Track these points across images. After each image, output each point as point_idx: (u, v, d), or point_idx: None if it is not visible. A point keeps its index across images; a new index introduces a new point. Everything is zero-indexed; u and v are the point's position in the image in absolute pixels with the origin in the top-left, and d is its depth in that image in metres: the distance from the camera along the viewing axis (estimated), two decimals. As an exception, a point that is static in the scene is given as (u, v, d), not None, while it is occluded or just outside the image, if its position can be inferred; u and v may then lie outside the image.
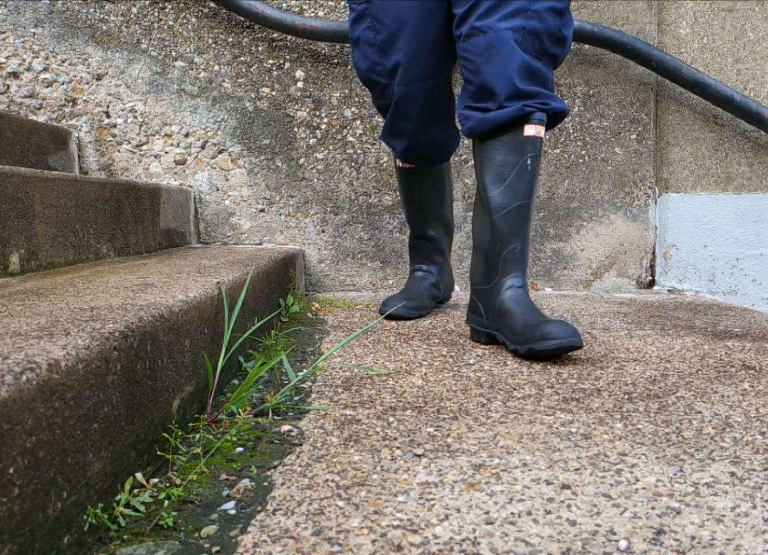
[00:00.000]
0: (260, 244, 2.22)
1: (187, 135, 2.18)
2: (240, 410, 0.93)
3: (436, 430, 0.87)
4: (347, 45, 2.14)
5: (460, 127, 1.42)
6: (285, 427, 0.88)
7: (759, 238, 2.28)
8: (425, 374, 1.15)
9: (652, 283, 2.30)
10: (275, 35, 2.15)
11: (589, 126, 2.21)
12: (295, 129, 2.18)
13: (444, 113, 1.56)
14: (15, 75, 2.14)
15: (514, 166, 1.30)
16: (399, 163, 1.69)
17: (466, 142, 2.20)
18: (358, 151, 2.19)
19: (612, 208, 2.23)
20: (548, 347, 1.17)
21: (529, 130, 1.29)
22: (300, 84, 2.17)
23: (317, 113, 2.18)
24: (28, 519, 0.49)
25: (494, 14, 1.30)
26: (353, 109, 2.18)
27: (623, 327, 1.56)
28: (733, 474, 0.74)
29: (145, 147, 2.18)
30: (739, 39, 2.25)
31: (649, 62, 2.11)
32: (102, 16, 2.15)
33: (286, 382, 1.11)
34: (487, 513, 0.65)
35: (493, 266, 1.33)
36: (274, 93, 2.18)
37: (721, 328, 1.54)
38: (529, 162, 1.30)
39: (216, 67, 2.17)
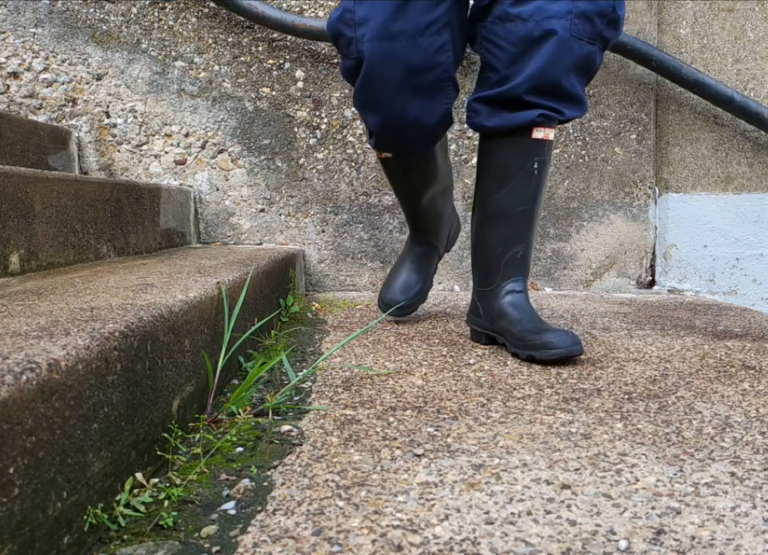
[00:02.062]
0: (260, 244, 2.22)
1: (187, 135, 2.18)
2: (240, 410, 0.93)
3: (436, 430, 0.87)
4: (347, 45, 2.14)
5: (465, 119, 1.31)
6: (285, 427, 0.88)
7: (759, 238, 2.28)
8: (425, 374, 1.15)
9: (652, 283, 2.30)
10: (275, 35, 2.15)
11: (589, 126, 2.21)
12: (295, 129, 2.18)
13: (436, 85, 1.22)
14: (15, 75, 2.14)
15: (519, 169, 1.26)
16: (376, 152, 1.42)
17: (466, 141, 2.20)
18: (358, 151, 2.19)
19: (612, 208, 2.23)
20: (549, 357, 1.18)
21: (538, 133, 1.24)
22: (300, 84, 2.17)
23: (317, 113, 2.18)
24: (28, 519, 0.49)
25: None
26: (353, 109, 2.18)
27: (623, 327, 1.56)
28: (733, 474, 0.74)
29: (145, 147, 2.18)
30: (739, 39, 2.25)
31: (649, 62, 2.11)
32: (102, 16, 2.15)
33: (286, 382, 1.11)
34: (487, 513, 0.65)
35: (493, 269, 1.32)
36: (274, 93, 2.18)
37: (721, 328, 1.54)
38: (535, 166, 1.26)
39: (216, 67, 2.17)
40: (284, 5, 2.15)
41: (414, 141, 1.31)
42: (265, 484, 0.72)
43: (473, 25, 1.27)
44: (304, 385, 1.08)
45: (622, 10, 1.22)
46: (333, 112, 2.18)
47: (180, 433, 0.82)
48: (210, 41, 2.16)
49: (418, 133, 1.28)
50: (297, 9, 2.15)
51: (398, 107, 1.22)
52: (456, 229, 1.68)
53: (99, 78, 2.16)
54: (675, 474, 0.74)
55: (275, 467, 0.76)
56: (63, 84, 2.15)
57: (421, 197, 1.48)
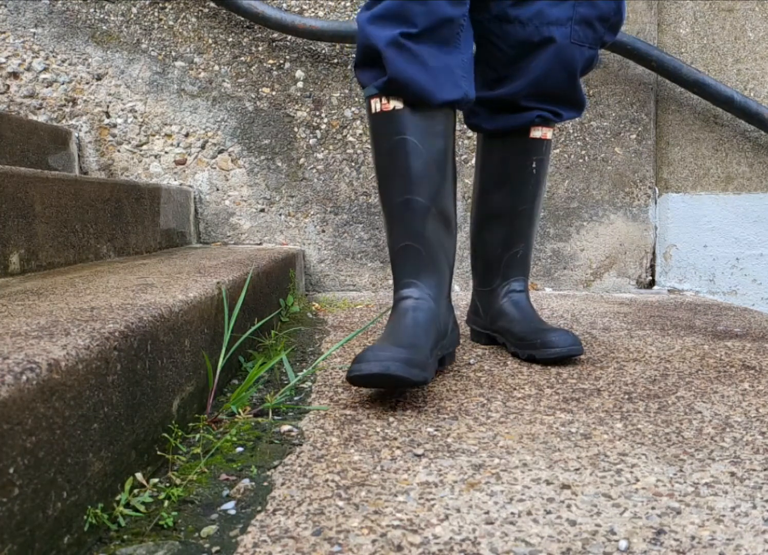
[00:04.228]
0: (260, 244, 2.22)
1: (187, 135, 2.18)
2: (240, 410, 0.93)
3: (436, 430, 0.87)
4: (347, 45, 2.14)
5: (464, 118, 1.29)
6: (285, 427, 0.88)
7: (759, 238, 2.28)
8: (425, 374, 1.14)
9: (652, 283, 2.30)
10: (275, 35, 2.15)
11: (589, 126, 2.21)
12: (295, 129, 2.18)
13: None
14: (15, 75, 2.14)
15: (517, 169, 1.26)
16: (377, 106, 1.09)
17: (466, 141, 2.20)
18: (358, 151, 2.19)
19: (612, 208, 2.23)
20: (549, 356, 1.18)
21: (535, 132, 1.24)
22: (300, 84, 2.17)
23: (317, 113, 2.18)
24: (28, 519, 0.49)
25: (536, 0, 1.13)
26: (353, 109, 2.18)
27: (623, 327, 1.56)
28: (733, 474, 0.74)
29: (145, 147, 2.18)
30: (739, 39, 2.25)
31: (649, 62, 2.11)
32: (102, 16, 2.15)
33: (286, 382, 1.11)
34: (487, 513, 0.65)
35: (493, 269, 1.32)
36: (274, 93, 2.18)
37: (721, 328, 1.54)
38: (534, 165, 1.26)
39: (216, 67, 2.17)
40: (284, 5, 2.15)
41: (438, 79, 1.06)
42: (265, 484, 0.72)
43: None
44: (304, 385, 1.08)
45: (624, 12, 1.20)
46: (333, 112, 2.18)
47: (180, 433, 0.82)
48: (210, 41, 2.16)
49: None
50: (297, 9, 2.15)
51: (443, 9, 1.03)
52: (456, 338, 1.17)
53: (99, 78, 2.16)
54: (675, 474, 0.74)
55: (275, 467, 0.76)
56: (63, 84, 2.15)
57: (420, 190, 1.08)
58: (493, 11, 1.18)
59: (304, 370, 1.14)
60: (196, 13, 2.16)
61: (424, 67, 1.04)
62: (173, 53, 2.16)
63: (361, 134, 2.18)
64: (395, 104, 1.08)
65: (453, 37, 1.06)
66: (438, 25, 1.04)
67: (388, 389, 1.00)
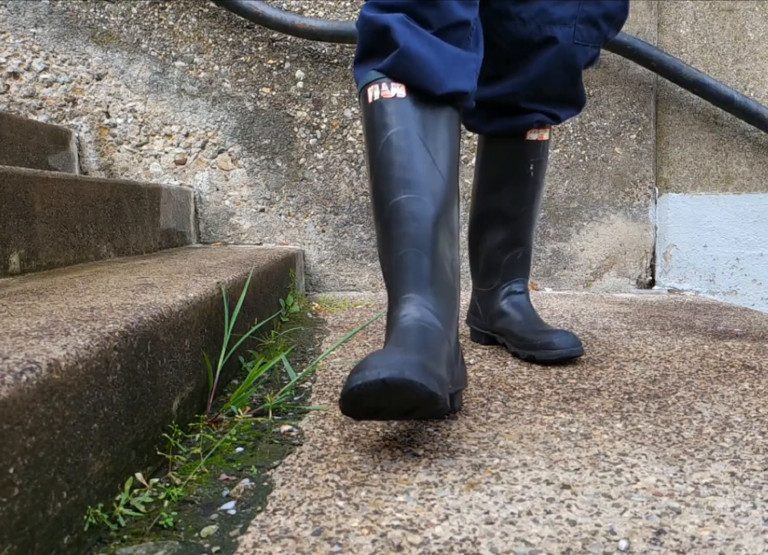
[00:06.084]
0: (260, 244, 2.22)
1: (187, 135, 2.18)
2: (240, 410, 0.93)
3: (435, 430, 0.87)
4: (347, 45, 2.14)
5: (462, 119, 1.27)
6: (285, 427, 0.88)
7: (759, 238, 2.28)
8: (425, 374, 1.14)
9: (652, 283, 2.30)
10: (275, 35, 2.15)
11: (589, 126, 2.21)
12: (295, 129, 2.18)
13: None
14: (15, 75, 2.14)
15: (514, 171, 1.26)
16: (375, 94, 0.96)
17: (466, 141, 2.20)
18: (358, 151, 2.19)
19: (612, 208, 2.23)
20: (549, 357, 1.18)
21: (532, 135, 1.24)
22: (300, 84, 2.17)
23: (317, 113, 2.18)
24: (28, 519, 0.49)
25: None
26: (353, 109, 2.18)
27: (623, 327, 1.56)
28: (733, 474, 0.74)
29: (145, 147, 2.18)
30: (739, 39, 2.25)
31: (649, 62, 2.11)
32: (102, 16, 2.15)
33: (286, 382, 1.11)
34: (487, 513, 0.65)
35: (493, 271, 1.32)
36: (274, 93, 2.18)
37: (721, 328, 1.54)
38: (531, 167, 1.25)
39: (216, 67, 2.17)
40: (284, 5, 2.15)
41: (450, 65, 0.97)
42: (265, 484, 0.72)
43: None
44: (304, 385, 1.08)
45: (628, 9, 1.18)
46: (333, 112, 2.18)
47: (180, 433, 0.82)
48: (210, 41, 2.16)
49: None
50: (297, 9, 2.15)
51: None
52: (462, 377, 0.93)
53: (99, 78, 2.16)
54: (675, 474, 0.74)
55: (275, 467, 0.76)
56: (63, 84, 2.15)
57: (425, 191, 0.91)
58: (494, 6, 1.13)
59: (304, 370, 1.14)
60: (196, 13, 2.16)
61: (436, 50, 0.94)
62: (173, 53, 2.16)
63: (361, 134, 2.18)
64: (397, 92, 0.94)
65: (465, 41, 0.99)
66: (451, 26, 0.96)
67: (395, 414, 0.76)
